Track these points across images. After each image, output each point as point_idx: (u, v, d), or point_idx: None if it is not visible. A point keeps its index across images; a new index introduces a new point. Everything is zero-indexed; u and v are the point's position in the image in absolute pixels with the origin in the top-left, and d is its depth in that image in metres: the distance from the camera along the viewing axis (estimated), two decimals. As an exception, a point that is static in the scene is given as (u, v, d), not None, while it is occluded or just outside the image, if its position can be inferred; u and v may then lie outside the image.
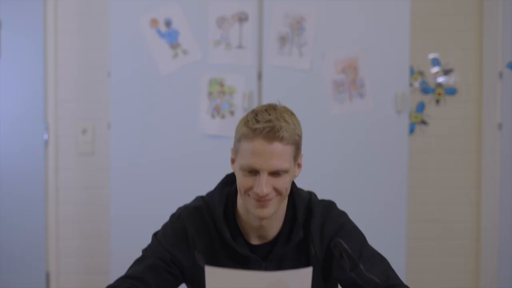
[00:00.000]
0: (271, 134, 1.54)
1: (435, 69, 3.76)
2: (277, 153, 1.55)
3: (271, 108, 1.61)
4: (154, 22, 3.33)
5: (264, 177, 1.54)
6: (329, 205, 1.73)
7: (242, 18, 3.33)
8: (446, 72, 3.76)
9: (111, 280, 3.30)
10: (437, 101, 3.76)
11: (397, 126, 3.33)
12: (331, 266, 1.68)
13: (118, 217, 3.36)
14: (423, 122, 3.76)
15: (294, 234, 1.65)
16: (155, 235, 1.76)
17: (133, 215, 3.33)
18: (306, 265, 1.66)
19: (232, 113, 3.32)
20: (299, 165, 1.66)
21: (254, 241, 1.69)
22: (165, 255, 1.68)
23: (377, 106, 3.32)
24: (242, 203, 1.66)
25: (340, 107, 3.31)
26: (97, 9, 3.80)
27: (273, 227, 1.67)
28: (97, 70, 3.80)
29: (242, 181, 1.59)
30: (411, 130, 3.75)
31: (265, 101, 3.27)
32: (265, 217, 1.60)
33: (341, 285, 1.74)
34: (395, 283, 1.62)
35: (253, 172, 1.56)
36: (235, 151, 1.62)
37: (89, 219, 3.86)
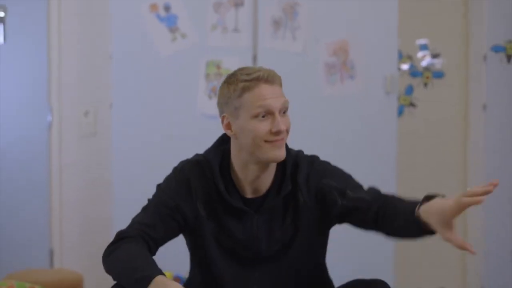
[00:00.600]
0: (270, 78, 1.70)
1: (423, 54, 3.87)
2: (280, 93, 1.72)
3: (245, 67, 1.79)
4: (153, 7, 3.41)
5: (278, 116, 1.68)
6: (313, 158, 1.86)
7: (237, 3, 3.42)
8: (434, 56, 3.86)
9: None
10: (425, 84, 3.87)
11: (387, 107, 3.43)
12: (327, 208, 1.78)
13: (120, 196, 3.44)
14: (412, 105, 3.86)
15: (284, 186, 1.77)
16: (159, 186, 1.88)
17: (135, 194, 3.31)
18: (295, 214, 1.78)
19: None
20: None
21: (248, 195, 1.80)
22: (169, 203, 1.78)
23: (367, 87, 3.41)
24: (239, 156, 1.78)
25: (332, 89, 3.41)
26: None
27: (266, 181, 1.78)
28: (99, 54, 3.85)
29: (258, 128, 1.68)
30: (401, 112, 3.84)
31: (260, 83, 3.38)
32: (282, 157, 1.72)
33: (340, 223, 1.84)
34: (383, 195, 1.78)
35: (267, 115, 1.68)
36: (234, 110, 1.73)
37: (92, 198, 3.92)
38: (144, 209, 1.85)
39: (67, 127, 3.91)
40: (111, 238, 3.85)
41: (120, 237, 1.79)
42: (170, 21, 3.43)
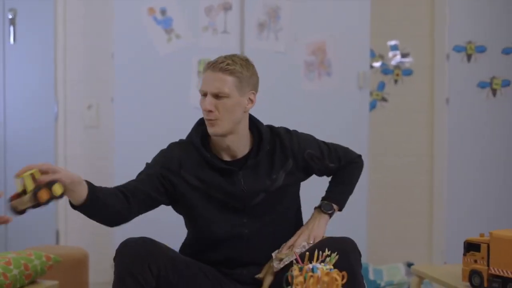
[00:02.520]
0: (215, 65, 1.94)
1: (393, 53, 4.00)
2: (218, 79, 1.93)
3: (230, 55, 2.01)
4: (151, 10, 3.52)
5: (208, 98, 1.93)
6: (287, 129, 2.16)
7: (226, 7, 3.53)
8: (403, 56, 4.00)
9: (115, 239, 3.50)
10: (396, 81, 4.01)
11: (360, 101, 3.56)
12: (307, 170, 2.13)
13: (121, 182, 3.40)
14: (384, 99, 4.00)
15: (262, 146, 2.02)
16: (147, 163, 2.08)
17: None
18: (275, 170, 2.04)
19: None
20: (251, 101, 2.02)
21: (227, 159, 2.03)
22: (156, 171, 1.99)
23: (342, 83, 3.54)
24: None
25: (311, 84, 3.54)
26: (102, 0, 3.92)
27: (240, 148, 2.03)
28: (102, 52, 3.92)
29: (200, 104, 1.97)
30: (373, 106, 3.97)
31: (247, 79, 3.51)
32: (214, 133, 1.97)
33: (316, 174, 2.19)
34: (347, 161, 2.22)
35: (204, 95, 1.94)
36: None
37: (95, 184, 4.01)
38: (132, 180, 2.06)
39: (72, 119, 3.98)
40: None
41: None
42: (166, 23, 3.54)
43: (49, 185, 1.67)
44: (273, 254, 1.96)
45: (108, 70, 3.82)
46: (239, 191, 2.00)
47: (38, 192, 1.65)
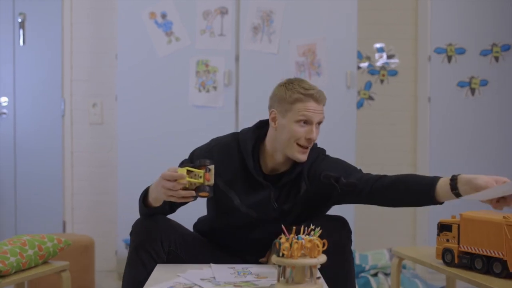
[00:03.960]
0: (319, 98, 2.00)
1: (380, 55, 4.11)
2: (321, 110, 2.02)
3: (302, 80, 2.04)
4: (152, 14, 3.60)
5: (314, 127, 1.99)
6: (318, 152, 2.14)
7: (223, 12, 3.61)
8: (389, 57, 4.10)
9: (118, 230, 3.62)
10: (382, 81, 4.11)
11: (348, 99, 3.63)
12: (328, 192, 2.02)
13: (123, 176, 3.60)
14: (370, 98, 4.10)
15: (296, 170, 2.05)
16: (192, 152, 2.13)
17: (137, 174, 3.49)
18: (296, 195, 2.04)
19: (215, 88, 3.60)
20: None
21: (267, 172, 2.06)
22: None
23: (331, 82, 3.61)
24: (272, 144, 2.03)
25: None
26: (106, 4, 4.01)
27: (283, 165, 2.06)
28: (106, 53, 4.00)
29: (295, 131, 1.97)
30: (361, 104, 4.07)
31: (242, 78, 3.56)
32: (303, 161, 1.98)
33: (340, 203, 2.09)
34: (375, 177, 2.03)
35: (306, 124, 1.97)
36: (284, 111, 2.00)
37: (99, 178, 4.06)
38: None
39: (78, 116, 4.06)
40: (115, 212, 3.82)
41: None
42: (166, 27, 3.61)
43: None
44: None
45: (112, 70, 3.90)
46: (265, 205, 2.03)
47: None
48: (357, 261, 3.31)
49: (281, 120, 2.00)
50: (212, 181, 1.79)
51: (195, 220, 2.30)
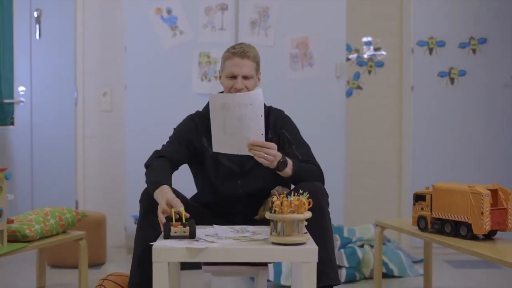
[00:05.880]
0: (243, 54, 2.24)
1: (367, 48, 4.24)
2: (245, 64, 2.25)
3: (241, 43, 2.32)
4: (158, 10, 3.74)
5: (239, 79, 2.24)
6: (280, 110, 2.43)
7: (223, 8, 3.75)
8: (376, 50, 4.24)
9: (127, 210, 3.79)
10: (369, 72, 4.23)
11: (337, 88, 3.80)
12: (280, 144, 2.30)
13: (131, 160, 3.74)
14: (359, 87, 4.24)
15: None
16: (175, 128, 2.38)
17: (144, 157, 3.35)
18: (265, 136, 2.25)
19: (216, 77, 3.73)
20: (259, 79, 2.35)
21: None
22: (183, 137, 2.31)
23: (322, 73, 3.77)
24: None
25: (295, 74, 3.78)
26: (116, 1, 4.11)
27: None
28: (116, 46, 4.12)
29: (226, 84, 2.27)
30: (350, 93, 4.21)
31: (241, 69, 3.73)
32: None
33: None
34: (310, 160, 2.28)
35: (233, 77, 2.25)
36: (221, 70, 2.31)
37: (109, 161, 4.20)
38: (168, 142, 2.36)
39: (89, 104, 4.19)
40: (124, 194, 4.00)
41: (156, 155, 2.30)
42: (171, 21, 3.75)
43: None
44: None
45: (121, 62, 4.03)
46: (240, 157, 2.26)
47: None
48: (345, 234, 3.51)
49: (222, 77, 2.33)
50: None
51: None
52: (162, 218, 1.95)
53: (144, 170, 2.27)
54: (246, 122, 2.07)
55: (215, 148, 2.16)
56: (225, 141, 2.12)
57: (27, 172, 4.22)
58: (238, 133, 2.09)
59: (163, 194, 2.01)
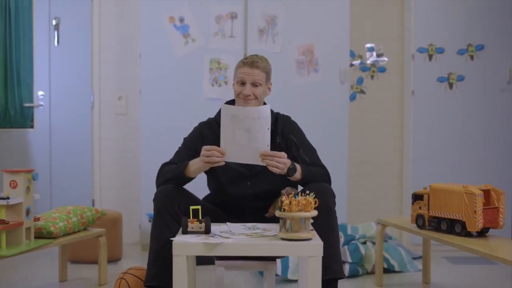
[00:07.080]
0: (252, 64, 2.38)
1: (370, 54, 4.32)
2: (254, 73, 2.38)
3: (253, 54, 2.45)
4: (171, 18, 3.83)
5: (248, 85, 2.37)
6: (287, 116, 2.54)
7: (233, 16, 3.83)
8: (378, 56, 4.31)
9: (142, 208, 3.88)
10: (372, 77, 4.31)
11: (341, 93, 3.89)
12: (288, 147, 2.42)
13: (146, 162, 3.83)
14: (362, 92, 4.31)
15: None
16: (185, 138, 2.50)
17: (157, 159, 3.32)
18: (273, 147, 2.36)
19: (226, 83, 3.85)
20: (269, 89, 2.47)
21: None
22: (191, 147, 2.42)
23: (327, 78, 3.86)
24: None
25: (301, 79, 3.87)
26: (131, 9, 4.21)
27: None
28: (131, 52, 4.20)
29: (237, 89, 2.40)
30: (353, 98, 4.29)
31: (249, 74, 3.81)
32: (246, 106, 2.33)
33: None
34: (316, 162, 2.39)
35: (243, 84, 2.38)
36: (234, 77, 2.44)
37: (124, 162, 4.27)
38: (177, 153, 2.47)
39: (105, 108, 4.26)
40: (138, 193, 4.09)
41: (163, 167, 2.42)
42: (183, 29, 3.83)
43: None
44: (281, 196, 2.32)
45: (136, 68, 4.12)
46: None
47: None
48: (349, 231, 3.62)
49: (234, 84, 2.45)
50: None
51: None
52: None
53: (156, 180, 2.40)
54: (253, 133, 2.19)
55: (226, 159, 2.26)
56: (233, 151, 2.22)
57: (46, 172, 4.31)
58: (246, 143, 2.19)
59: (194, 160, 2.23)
